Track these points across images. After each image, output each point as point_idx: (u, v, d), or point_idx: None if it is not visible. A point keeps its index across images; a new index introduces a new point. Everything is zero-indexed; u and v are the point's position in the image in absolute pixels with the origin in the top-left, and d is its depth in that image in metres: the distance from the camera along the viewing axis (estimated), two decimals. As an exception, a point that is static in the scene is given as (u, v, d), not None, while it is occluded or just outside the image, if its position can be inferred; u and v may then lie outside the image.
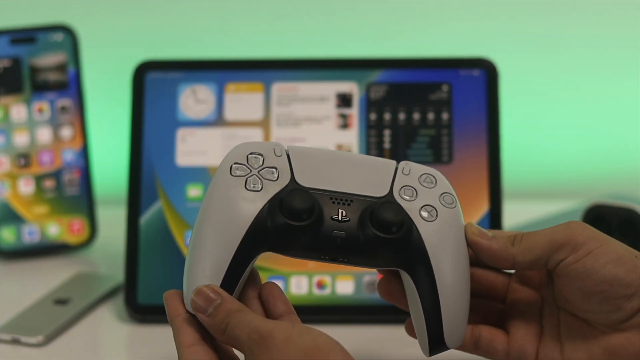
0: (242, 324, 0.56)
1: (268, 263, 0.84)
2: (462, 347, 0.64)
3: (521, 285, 0.65)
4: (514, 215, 0.97)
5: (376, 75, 0.88)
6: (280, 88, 0.88)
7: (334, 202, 0.60)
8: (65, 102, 0.99)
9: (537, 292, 0.65)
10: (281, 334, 0.54)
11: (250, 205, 0.59)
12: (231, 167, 0.60)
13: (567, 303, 0.62)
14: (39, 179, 0.99)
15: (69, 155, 1.00)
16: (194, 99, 0.88)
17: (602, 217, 0.88)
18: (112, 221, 0.99)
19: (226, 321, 0.56)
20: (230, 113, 0.88)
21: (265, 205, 0.59)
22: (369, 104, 0.88)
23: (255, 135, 0.87)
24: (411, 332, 0.64)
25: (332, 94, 0.88)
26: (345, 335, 0.80)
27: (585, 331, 0.61)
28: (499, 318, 0.66)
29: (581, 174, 1.20)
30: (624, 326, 0.59)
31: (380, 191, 0.61)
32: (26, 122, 0.99)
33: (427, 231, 0.60)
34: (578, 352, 0.62)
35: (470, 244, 0.61)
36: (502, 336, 0.64)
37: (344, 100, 0.88)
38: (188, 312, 0.59)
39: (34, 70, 0.98)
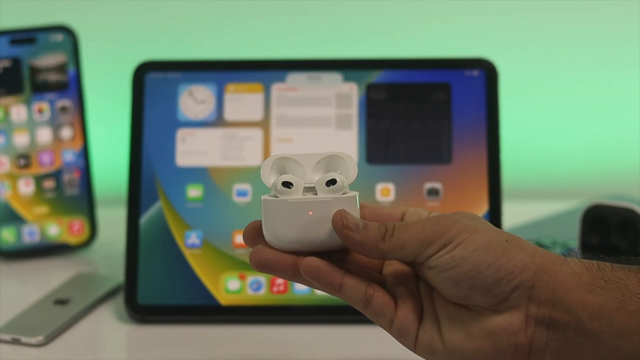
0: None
1: (268, 263, 0.84)
2: (353, 303, 0.61)
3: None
4: (514, 215, 0.97)
5: (376, 76, 0.88)
6: (280, 88, 0.88)
7: None
8: (65, 102, 0.99)
9: (411, 268, 0.63)
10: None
11: None
12: None
13: (438, 289, 0.60)
14: (39, 180, 0.99)
15: (69, 155, 1.00)
16: (194, 100, 0.88)
17: (601, 217, 0.88)
18: (112, 221, 1.00)
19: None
20: (230, 113, 0.88)
21: None
22: (369, 105, 0.88)
23: (255, 135, 0.87)
24: None
25: (332, 94, 0.88)
26: (347, 335, 0.80)
27: (461, 313, 0.60)
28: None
29: (581, 174, 1.20)
30: (499, 308, 0.59)
31: None
32: (26, 122, 0.99)
33: None
34: (456, 333, 0.60)
35: (339, 235, 0.59)
36: (393, 305, 0.62)
37: (344, 101, 0.88)
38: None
39: (34, 71, 0.98)
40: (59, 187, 1.00)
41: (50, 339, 0.80)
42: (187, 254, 0.85)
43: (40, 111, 0.99)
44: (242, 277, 0.84)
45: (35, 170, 0.99)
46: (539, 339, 0.59)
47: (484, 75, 0.87)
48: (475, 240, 0.58)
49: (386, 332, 0.61)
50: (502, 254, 0.58)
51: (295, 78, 0.89)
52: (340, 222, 0.59)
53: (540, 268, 0.59)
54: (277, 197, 0.59)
